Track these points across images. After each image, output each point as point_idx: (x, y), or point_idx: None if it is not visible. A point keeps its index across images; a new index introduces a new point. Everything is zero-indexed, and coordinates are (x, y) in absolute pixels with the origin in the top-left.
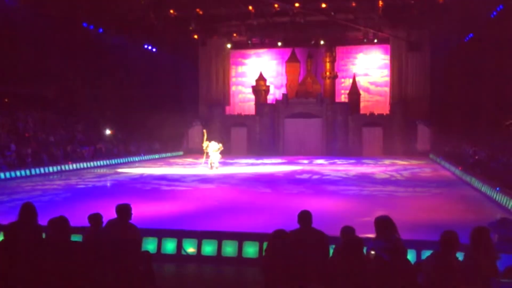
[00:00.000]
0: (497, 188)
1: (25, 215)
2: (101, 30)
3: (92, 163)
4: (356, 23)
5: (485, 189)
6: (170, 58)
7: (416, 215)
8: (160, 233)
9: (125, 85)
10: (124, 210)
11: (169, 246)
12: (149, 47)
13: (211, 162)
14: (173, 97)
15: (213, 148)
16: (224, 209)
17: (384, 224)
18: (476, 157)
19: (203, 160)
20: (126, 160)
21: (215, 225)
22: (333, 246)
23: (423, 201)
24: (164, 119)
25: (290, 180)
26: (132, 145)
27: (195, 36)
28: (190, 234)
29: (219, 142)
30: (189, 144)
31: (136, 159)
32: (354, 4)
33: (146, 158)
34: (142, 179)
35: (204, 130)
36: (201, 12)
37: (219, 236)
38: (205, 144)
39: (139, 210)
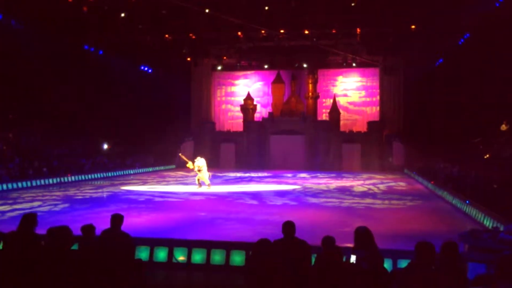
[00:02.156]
0: (467, 201)
1: (25, 224)
2: (101, 52)
3: (90, 176)
4: (336, 48)
5: (456, 202)
6: (164, 78)
7: (392, 226)
8: (153, 242)
9: (123, 103)
10: (117, 219)
11: (161, 254)
12: (146, 68)
13: (198, 178)
14: (167, 115)
15: (197, 164)
16: (213, 219)
17: (362, 234)
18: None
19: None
20: (122, 172)
21: (204, 235)
22: (315, 255)
23: (399, 213)
24: (159, 135)
25: (275, 192)
26: (128, 159)
27: (188, 58)
28: (180, 243)
29: (196, 158)
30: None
31: (132, 172)
32: (334, 31)
33: (141, 171)
34: (137, 191)
35: (180, 154)
36: (193, 37)
37: (208, 245)
38: (190, 164)
39: (133, 220)
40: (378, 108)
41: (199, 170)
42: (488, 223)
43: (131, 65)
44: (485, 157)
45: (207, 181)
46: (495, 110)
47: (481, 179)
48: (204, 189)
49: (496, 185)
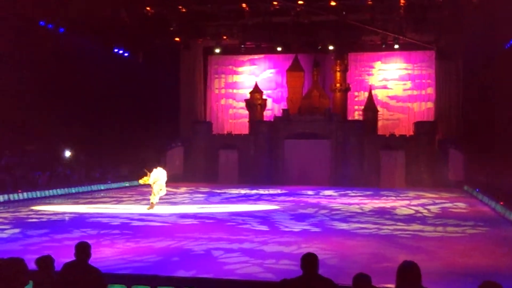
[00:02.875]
0: None
1: None
2: (62, 29)
3: (47, 192)
4: (373, 24)
5: None
6: (145, 65)
7: (447, 260)
8: (130, 280)
9: (89, 97)
10: (82, 250)
11: None
12: (120, 51)
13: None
14: (148, 112)
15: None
16: (209, 250)
17: (408, 272)
18: None
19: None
20: (89, 188)
21: (198, 271)
22: None
23: (456, 244)
24: (137, 139)
25: (291, 215)
26: (97, 171)
27: (177, 39)
28: (166, 281)
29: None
30: (167, 170)
31: (102, 187)
32: (370, 2)
33: (114, 186)
34: (108, 212)
35: (146, 170)
36: (184, 10)
37: (203, 285)
38: (145, 179)
39: (104, 250)
40: (429, 104)
41: (154, 183)
42: None
43: (101, 47)
44: None
45: (153, 199)
46: None
47: None
48: (147, 210)
49: None
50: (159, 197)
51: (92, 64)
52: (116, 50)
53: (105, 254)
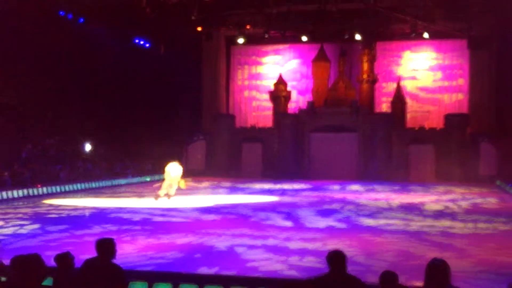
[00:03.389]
0: None
1: None
2: (81, 20)
3: (67, 187)
4: (402, 12)
5: None
6: (166, 56)
7: (478, 258)
8: (152, 277)
9: (109, 89)
10: (105, 247)
11: None
12: (141, 42)
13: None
14: (169, 105)
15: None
16: (232, 246)
17: (437, 270)
18: None
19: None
20: (110, 183)
21: (220, 267)
22: None
23: (487, 241)
24: (159, 133)
25: (316, 211)
26: (118, 165)
27: (199, 28)
28: (189, 279)
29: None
30: (189, 164)
31: (123, 182)
32: None
33: (135, 181)
34: (130, 207)
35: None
36: None
37: (226, 282)
38: (182, 183)
39: (125, 247)
40: (460, 96)
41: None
42: None
43: (121, 37)
44: None
45: (161, 192)
46: None
47: None
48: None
49: None
50: (164, 193)
51: (112, 56)
52: (136, 41)
53: (126, 250)
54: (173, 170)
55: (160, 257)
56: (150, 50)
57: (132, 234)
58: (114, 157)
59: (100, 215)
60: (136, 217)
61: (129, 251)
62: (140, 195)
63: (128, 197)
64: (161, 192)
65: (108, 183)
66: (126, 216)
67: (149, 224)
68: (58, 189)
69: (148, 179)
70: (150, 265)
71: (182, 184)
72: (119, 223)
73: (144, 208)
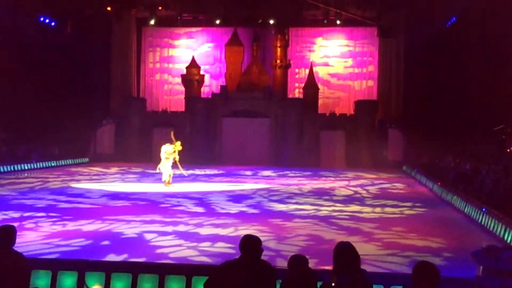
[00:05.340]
0: (483, 209)
1: None
2: None
3: None
4: None
5: (469, 209)
6: (74, 36)
7: (384, 241)
8: (56, 265)
9: (12, 69)
10: (5, 234)
11: (67, 281)
12: (46, 20)
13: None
14: (77, 87)
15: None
16: (142, 233)
17: (344, 253)
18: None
19: (183, 171)
20: (12, 168)
21: (129, 254)
22: (279, 281)
23: (394, 225)
24: (65, 116)
25: (228, 196)
26: (20, 149)
27: (108, 8)
28: (95, 266)
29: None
30: (97, 149)
31: (26, 167)
32: None
33: (39, 165)
34: (34, 192)
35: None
36: None
37: (134, 269)
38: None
39: (28, 234)
40: (370, 82)
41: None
42: (509, 238)
43: (25, 15)
44: (508, 150)
45: (165, 176)
46: None
47: (502, 180)
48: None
49: None
50: (165, 174)
51: (15, 34)
52: (41, 19)
53: (29, 238)
54: (162, 150)
55: (66, 245)
56: (57, 28)
57: (36, 221)
58: (17, 140)
59: (0, 202)
60: (40, 203)
61: (32, 238)
62: (44, 181)
63: (31, 183)
64: (164, 176)
65: (9, 168)
66: (29, 202)
67: (54, 210)
68: None
69: (54, 164)
70: (55, 253)
71: (178, 147)
72: (21, 209)
73: (49, 194)
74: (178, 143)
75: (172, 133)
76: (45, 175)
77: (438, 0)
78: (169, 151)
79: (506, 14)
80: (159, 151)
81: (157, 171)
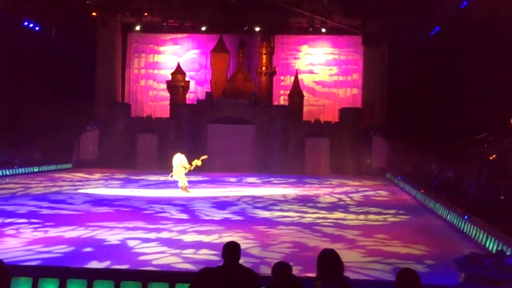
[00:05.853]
0: (466, 217)
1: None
2: None
3: None
4: (300, 7)
5: (452, 217)
6: (58, 41)
7: (368, 249)
8: (37, 271)
9: None
10: None
11: None
12: (31, 25)
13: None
14: (61, 93)
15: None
16: (124, 240)
17: (328, 261)
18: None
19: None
20: None
21: (112, 261)
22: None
23: (377, 232)
24: (50, 122)
25: (213, 202)
26: (2, 155)
27: (94, 14)
28: (77, 273)
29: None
30: (81, 155)
31: (8, 173)
32: None
33: (21, 171)
34: (16, 198)
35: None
36: None
37: (118, 276)
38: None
39: (8, 241)
40: (355, 90)
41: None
42: (491, 245)
43: (8, 19)
44: (491, 158)
45: (182, 183)
46: (507, 97)
47: (484, 187)
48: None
49: (503, 196)
50: (181, 182)
51: None
52: (25, 23)
53: (10, 244)
54: (174, 160)
55: (47, 251)
56: (41, 33)
57: (17, 228)
58: None
59: None
60: (22, 210)
61: (13, 245)
62: (26, 187)
63: (13, 189)
64: (180, 183)
65: None
66: (10, 208)
67: (36, 216)
68: None
69: (36, 169)
70: (36, 259)
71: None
72: (2, 215)
73: (31, 201)
74: (200, 162)
75: (206, 157)
76: (27, 181)
77: (422, 10)
78: (186, 164)
79: (488, 24)
80: (171, 159)
81: (169, 178)
